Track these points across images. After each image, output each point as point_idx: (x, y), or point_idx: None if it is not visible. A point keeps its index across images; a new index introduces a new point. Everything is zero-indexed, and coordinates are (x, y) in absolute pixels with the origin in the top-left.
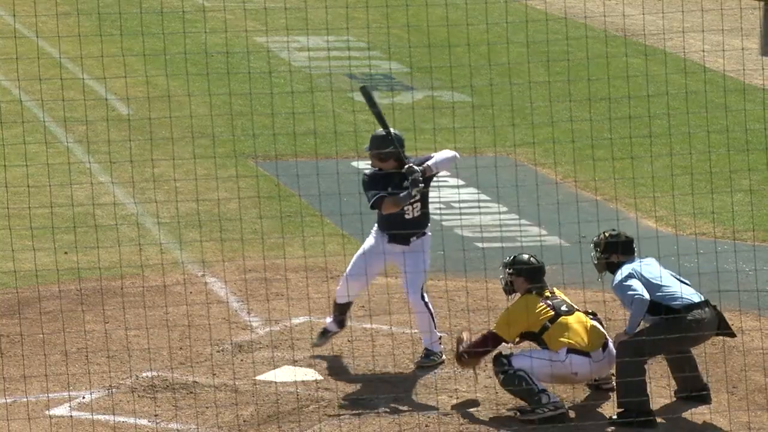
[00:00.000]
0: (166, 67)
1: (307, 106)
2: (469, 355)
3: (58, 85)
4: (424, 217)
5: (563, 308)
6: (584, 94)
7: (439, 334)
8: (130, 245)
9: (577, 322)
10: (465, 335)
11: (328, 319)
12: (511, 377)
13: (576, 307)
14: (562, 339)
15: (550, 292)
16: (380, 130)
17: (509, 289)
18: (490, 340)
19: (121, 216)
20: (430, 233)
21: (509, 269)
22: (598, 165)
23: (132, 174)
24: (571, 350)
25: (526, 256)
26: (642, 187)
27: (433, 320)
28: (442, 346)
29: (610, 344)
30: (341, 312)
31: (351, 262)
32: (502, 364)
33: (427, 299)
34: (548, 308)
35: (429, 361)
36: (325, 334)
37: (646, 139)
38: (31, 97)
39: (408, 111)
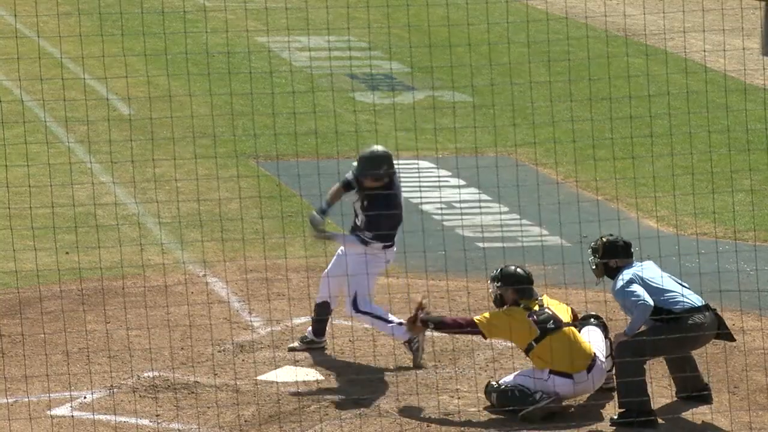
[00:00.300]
0: (167, 67)
1: (309, 106)
2: (439, 328)
3: (59, 85)
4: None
5: (550, 325)
6: (585, 94)
7: (398, 320)
8: (131, 245)
9: (563, 341)
10: (425, 302)
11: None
12: (503, 392)
13: (563, 321)
14: (545, 361)
15: (539, 304)
16: (367, 150)
17: (499, 301)
18: (470, 328)
19: (123, 216)
20: (352, 237)
21: (497, 282)
22: (599, 165)
23: (133, 174)
24: (554, 372)
25: (512, 268)
26: (643, 187)
27: (381, 318)
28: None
29: (598, 361)
30: (316, 315)
31: None
32: (491, 387)
33: (362, 306)
34: (534, 327)
35: (416, 350)
36: (303, 340)
37: (647, 139)
38: (32, 97)
39: (409, 111)
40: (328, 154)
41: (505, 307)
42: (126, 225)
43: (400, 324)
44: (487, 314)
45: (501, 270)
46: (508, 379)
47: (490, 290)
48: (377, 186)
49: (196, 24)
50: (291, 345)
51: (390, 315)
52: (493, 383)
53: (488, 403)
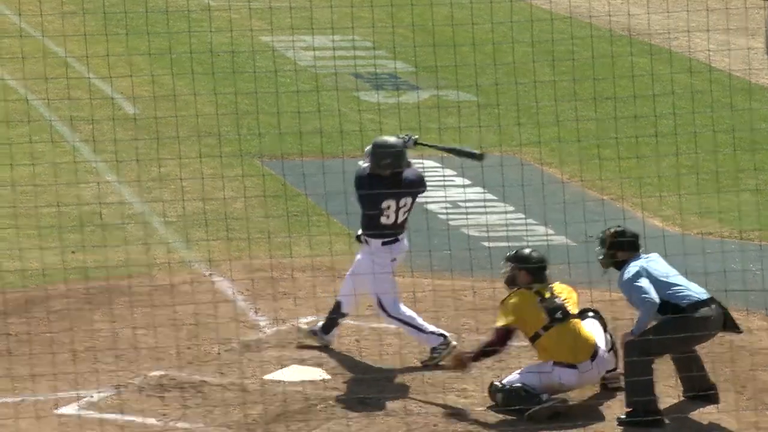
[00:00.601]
0: (171, 66)
1: (313, 105)
2: (478, 358)
3: (64, 84)
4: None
5: (558, 315)
6: (590, 94)
7: (432, 329)
8: (137, 244)
9: (569, 332)
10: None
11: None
12: (508, 393)
13: (571, 311)
14: (549, 351)
15: (550, 292)
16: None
17: (510, 281)
18: (501, 335)
19: (128, 215)
20: (364, 242)
21: (512, 263)
22: (604, 164)
23: (138, 173)
24: (558, 363)
25: (528, 250)
26: (648, 187)
27: (411, 325)
28: (441, 338)
29: (601, 351)
30: (330, 312)
31: None
32: (496, 388)
33: (391, 311)
34: (544, 314)
35: (432, 358)
36: (313, 330)
37: (652, 139)
38: (37, 96)
39: (414, 110)
40: (333, 154)
41: (515, 288)
42: (132, 224)
43: (439, 334)
44: (500, 312)
45: (517, 251)
46: (513, 378)
47: (504, 270)
48: (382, 174)
49: (201, 23)
50: (300, 326)
51: (420, 320)
52: (498, 383)
53: (494, 403)
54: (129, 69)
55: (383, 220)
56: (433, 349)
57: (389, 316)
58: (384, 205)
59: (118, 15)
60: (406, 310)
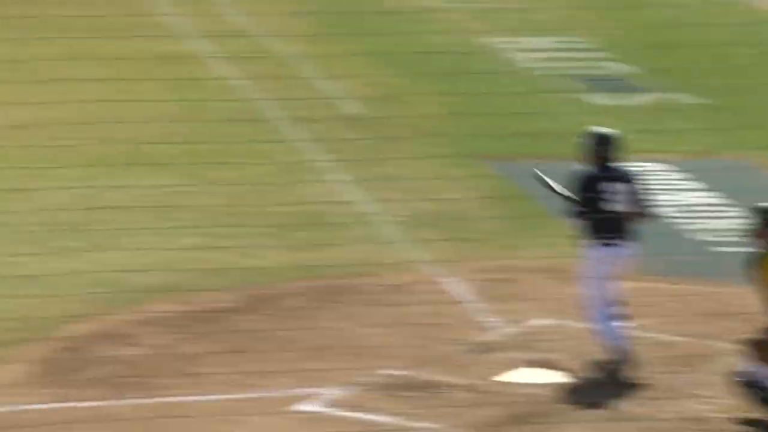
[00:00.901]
0: (395, 66)
1: (535, 106)
2: None
3: (287, 84)
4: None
5: None
6: None
7: (620, 344)
8: (364, 244)
9: None
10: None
11: None
12: (751, 387)
13: None
14: None
15: None
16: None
17: (754, 236)
18: None
19: (355, 214)
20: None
21: (761, 217)
22: None
23: (364, 173)
24: None
25: None
26: None
27: (604, 331)
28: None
29: None
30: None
31: None
32: (740, 379)
33: (595, 313)
34: None
35: (611, 363)
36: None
37: None
38: (261, 96)
39: (638, 112)
40: (558, 156)
41: (755, 242)
42: (359, 224)
43: (620, 349)
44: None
45: (764, 204)
46: (753, 369)
47: (748, 221)
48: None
49: (419, 24)
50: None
51: (615, 326)
52: (740, 377)
53: (735, 411)
54: (354, 69)
55: (601, 205)
56: (613, 361)
57: (588, 318)
58: (599, 187)
59: (343, 15)
60: (607, 316)
